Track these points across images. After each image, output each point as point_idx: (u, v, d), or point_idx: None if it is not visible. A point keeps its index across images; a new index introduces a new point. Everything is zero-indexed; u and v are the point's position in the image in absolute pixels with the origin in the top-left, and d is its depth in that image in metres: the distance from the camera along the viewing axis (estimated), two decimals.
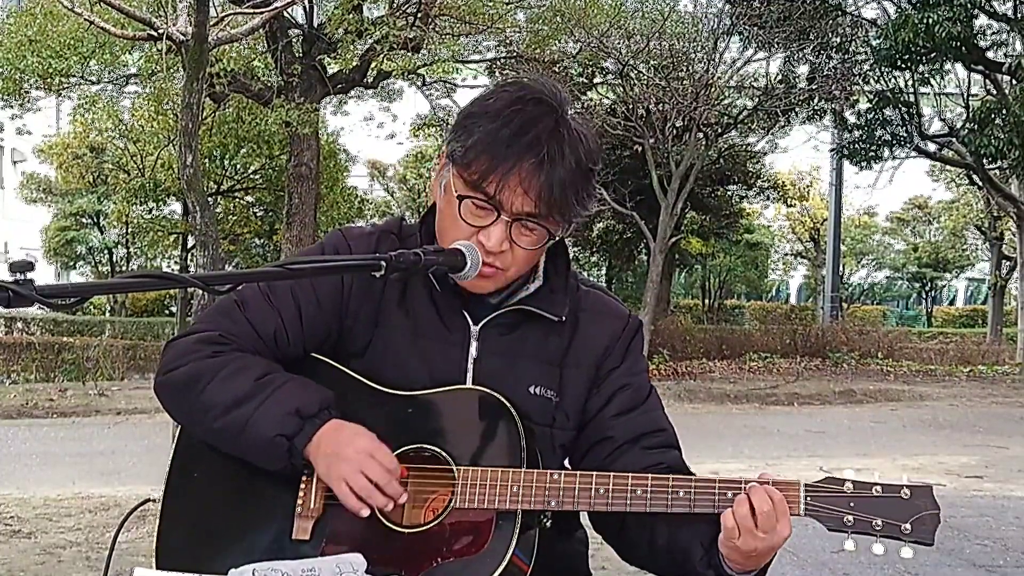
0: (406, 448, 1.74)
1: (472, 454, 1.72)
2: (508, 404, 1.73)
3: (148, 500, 1.93)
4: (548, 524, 1.74)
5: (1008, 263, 28.54)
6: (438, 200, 1.80)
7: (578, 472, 1.71)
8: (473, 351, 1.81)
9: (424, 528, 1.70)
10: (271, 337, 1.80)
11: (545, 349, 1.83)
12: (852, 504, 1.63)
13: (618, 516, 1.76)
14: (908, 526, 1.62)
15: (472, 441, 1.74)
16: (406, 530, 1.71)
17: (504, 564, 1.64)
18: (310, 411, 1.71)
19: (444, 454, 1.73)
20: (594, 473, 1.70)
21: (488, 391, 1.75)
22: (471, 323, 1.82)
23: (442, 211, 1.78)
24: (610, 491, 1.67)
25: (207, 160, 21.31)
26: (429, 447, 1.74)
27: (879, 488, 1.64)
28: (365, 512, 1.68)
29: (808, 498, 1.64)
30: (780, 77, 19.62)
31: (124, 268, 28.29)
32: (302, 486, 1.75)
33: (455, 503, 1.69)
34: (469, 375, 1.80)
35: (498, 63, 18.57)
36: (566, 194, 1.69)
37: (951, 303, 45.80)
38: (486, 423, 1.75)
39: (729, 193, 25.11)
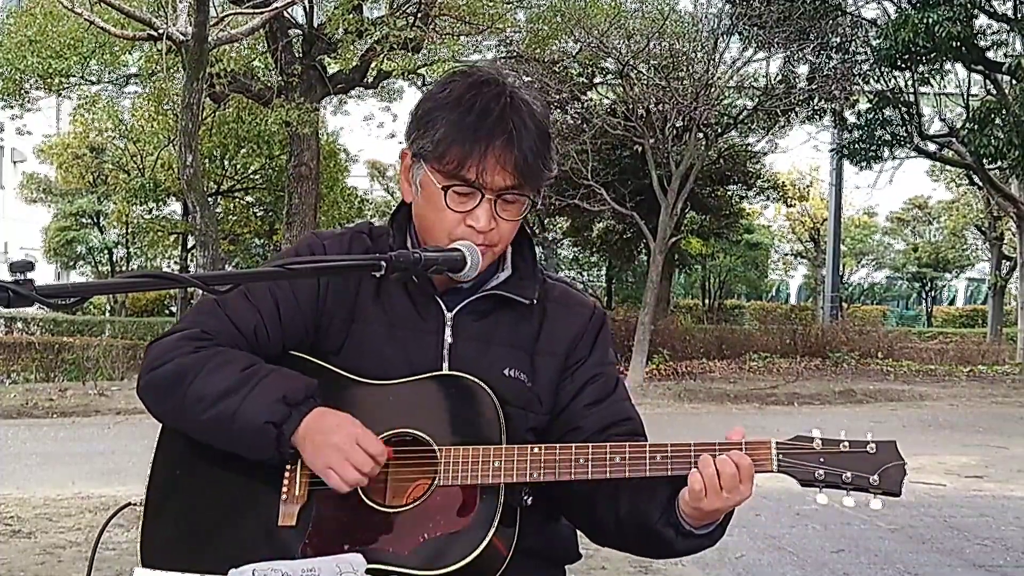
0: (388, 434, 1.78)
1: (453, 435, 1.77)
2: (484, 385, 1.78)
3: (129, 504, 1.95)
4: (529, 501, 1.79)
5: (1008, 263, 28.54)
6: (414, 198, 1.85)
7: (558, 444, 1.76)
8: (448, 337, 1.86)
9: (409, 507, 1.74)
10: (251, 333, 1.84)
11: (517, 335, 1.89)
12: (822, 460, 1.70)
13: (588, 498, 1.82)
14: (876, 478, 1.69)
15: (452, 423, 1.79)
16: (391, 510, 1.74)
17: (489, 536, 1.69)
18: (297, 398, 1.75)
19: (425, 436, 1.77)
20: (573, 444, 1.76)
21: (464, 375, 1.80)
22: (445, 310, 1.87)
23: (423, 206, 1.83)
24: (590, 460, 1.73)
25: (207, 160, 21.32)
26: (411, 431, 1.78)
27: (847, 444, 1.71)
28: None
29: (780, 455, 1.71)
30: (780, 77, 19.60)
31: (124, 268, 28.28)
32: (286, 473, 1.79)
33: (439, 481, 1.73)
34: (445, 361, 1.84)
35: (498, 63, 18.57)
36: (536, 161, 1.77)
37: (951, 303, 45.80)
38: (465, 405, 1.79)
39: (729, 193, 25.09)
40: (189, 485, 1.84)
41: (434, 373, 1.82)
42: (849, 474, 1.69)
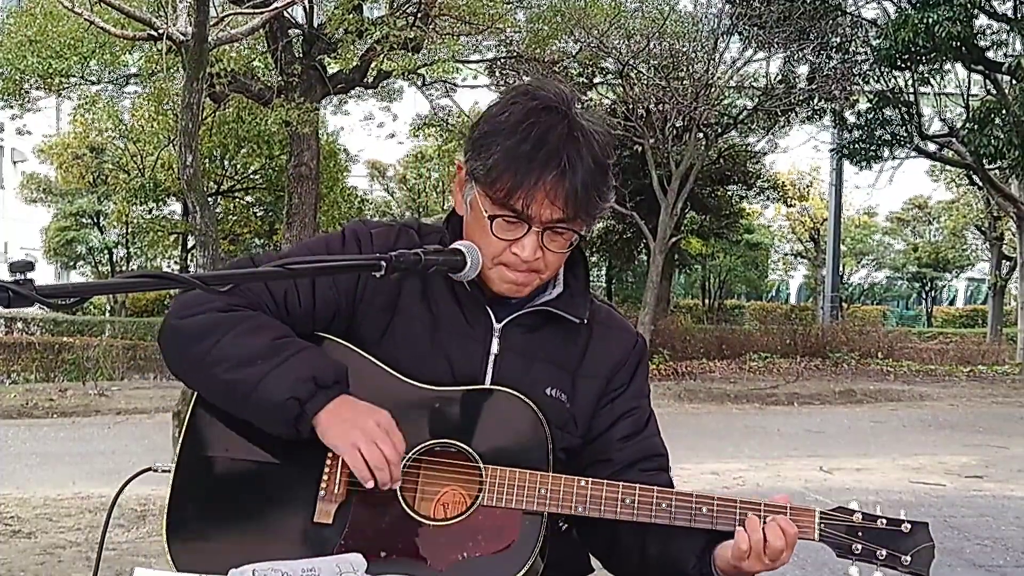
0: (432, 442, 1.76)
1: (500, 454, 1.75)
2: (536, 408, 1.77)
3: (148, 469, 1.91)
4: (564, 527, 1.80)
5: (1008, 263, 28.54)
6: (464, 214, 1.83)
7: (605, 481, 1.75)
8: (495, 348, 1.84)
9: (451, 522, 1.72)
10: (282, 299, 1.80)
11: (562, 353, 1.88)
12: (860, 534, 1.75)
13: (612, 526, 1.79)
14: (908, 558, 1.74)
15: (500, 441, 1.77)
16: (431, 522, 1.72)
17: (530, 563, 1.69)
18: (326, 381, 1.72)
19: (471, 451, 1.75)
20: (621, 483, 1.75)
21: (517, 394, 1.78)
22: (494, 320, 1.85)
23: (470, 225, 1.81)
24: (636, 502, 1.73)
25: (207, 160, 21.31)
26: (456, 443, 1.76)
27: (884, 521, 1.76)
28: (370, 484, 1.69)
29: (823, 526, 1.75)
30: (780, 77, 19.62)
31: (124, 268, 28.26)
32: (326, 468, 1.75)
33: (482, 500, 1.71)
34: (489, 371, 1.83)
35: (498, 63, 18.57)
36: (589, 194, 1.74)
37: (951, 303, 45.80)
38: (515, 425, 1.78)
39: (729, 193, 25.11)
40: (221, 466, 1.79)
41: (487, 387, 1.81)
42: (884, 552, 1.73)
